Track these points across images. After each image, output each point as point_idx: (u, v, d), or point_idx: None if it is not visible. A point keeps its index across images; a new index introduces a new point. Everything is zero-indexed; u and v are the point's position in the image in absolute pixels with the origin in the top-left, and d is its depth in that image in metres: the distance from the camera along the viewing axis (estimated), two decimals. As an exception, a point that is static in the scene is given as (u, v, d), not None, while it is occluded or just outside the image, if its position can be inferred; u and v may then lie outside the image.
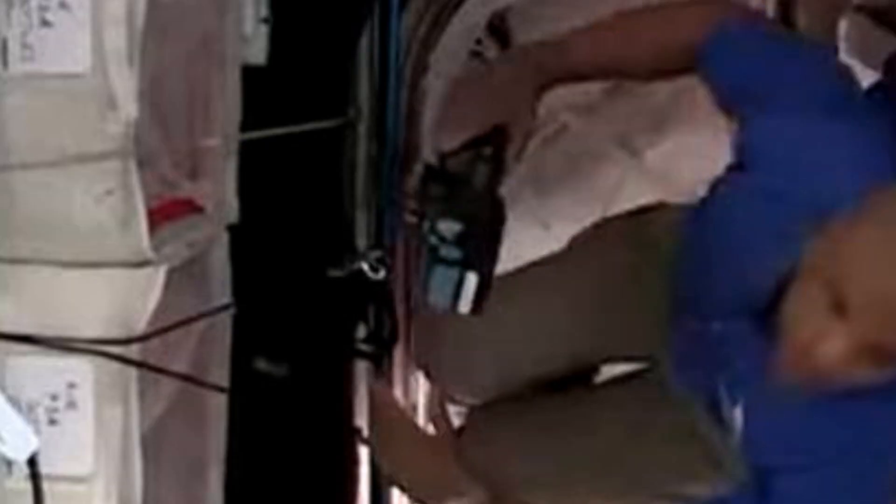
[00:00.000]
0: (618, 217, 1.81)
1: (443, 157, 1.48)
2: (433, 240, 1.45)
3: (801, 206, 1.24)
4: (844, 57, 2.04)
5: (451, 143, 1.46)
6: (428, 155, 1.64)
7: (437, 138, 1.53)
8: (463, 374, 1.88)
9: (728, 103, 1.38)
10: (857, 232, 1.18)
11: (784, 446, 1.36)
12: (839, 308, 1.18)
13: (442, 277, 1.47)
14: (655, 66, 1.47)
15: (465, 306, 1.48)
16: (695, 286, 1.47)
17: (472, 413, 1.95)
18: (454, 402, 2.00)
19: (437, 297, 1.47)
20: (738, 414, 1.41)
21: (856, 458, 1.31)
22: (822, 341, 1.20)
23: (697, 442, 1.53)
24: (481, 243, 1.48)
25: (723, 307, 1.39)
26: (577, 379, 1.85)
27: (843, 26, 2.15)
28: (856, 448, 1.31)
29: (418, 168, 1.60)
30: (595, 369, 1.88)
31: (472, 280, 1.47)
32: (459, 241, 1.46)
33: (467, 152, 1.47)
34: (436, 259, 1.46)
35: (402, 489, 1.85)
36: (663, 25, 1.45)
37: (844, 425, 1.30)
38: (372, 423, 1.66)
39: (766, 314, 1.28)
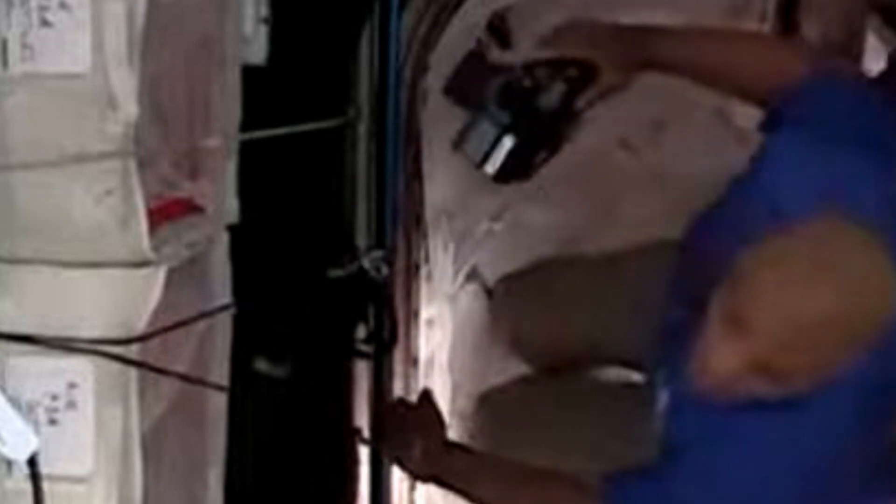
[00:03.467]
0: (667, 242, 1.84)
1: (532, 64, 1.51)
2: (488, 105, 1.48)
3: (783, 215, 1.25)
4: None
5: (546, 52, 1.52)
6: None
7: (535, 45, 1.60)
8: (516, 341, 2.07)
9: (772, 123, 1.43)
10: (770, 255, 1.20)
11: (693, 437, 1.40)
12: (740, 325, 1.20)
13: (482, 131, 1.52)
14: (739, 88, 1.54)
15: (491, 167, 1.53)
16: (679, 277, 1.50)
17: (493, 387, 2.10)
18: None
19: (470, 148, 1.52)
20: (664, 396, 1.45)
21: (761, 464, 1.34)
22: (720, 354, 1.24)
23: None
24: (529, 129, 1.50)
25: (689, 299, 1.42)
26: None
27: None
28: (761, 455, 1.33)
29: (503, 77, 1.61)
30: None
31: (507, 144, 1.51)
32: (512, 119, 1.49)
33: (553, 69, 1.50)
34: (483, 113, 1.49)
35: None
36: (768, 56, 1.53)
37: (749, 430, 1.33)
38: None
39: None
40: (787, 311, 1.18)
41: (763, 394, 1.25)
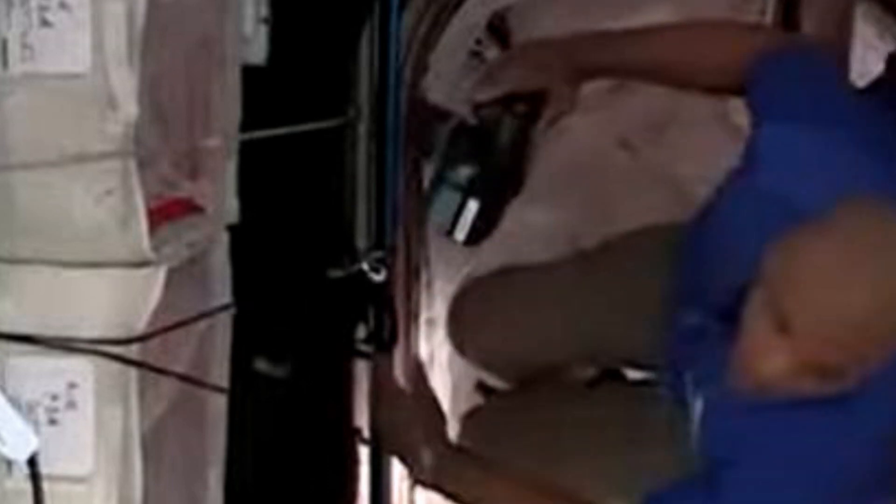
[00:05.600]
0: (648, 230, 1.82)
1: (477, 106, 1.51)
2: (445, 167, 1.48)
3: (796, 211, 1.24)
4: (861, 48, 2.06)
5: (488, 93, 1.51)
6: (456, 103, 1.65)
7: (476, 88, 1.56)
8: (482, 356, 1.97)
9: (754, 116, 1.41)
10: (808, 250, 1.19)
11: (737, 443, 1.37)
12: (783, 325, 1.19)
13: (445, 199, 1.50)
14: (698, 81, 1.52)
15: (461, 233, 1.52)
16: (690, 281, 1.49)
17: (481, 404, 2.03)
18: (484, 389, 2.07)
19: (438, 217, 1.51)
20: (698, 406, 1.43)
21: (810, 465, 1.32)
22: (766, 355, 1.22)
23: (677, 443, 1.54)
24: (490, 183, 1.50)
25: (704, 302, 1.41)
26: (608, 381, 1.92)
27: (859, 15, 2.15)
28: (807, 453, 1.32)
29: (453, 121, 1.61)
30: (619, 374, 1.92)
31: (472, 208, 1.50)
32: (470, 177, 1.48)
33: (500, 107, 1.49)
34: (443, 180, 1.49)
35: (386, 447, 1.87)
36: (718, 44, 1.50)
37: (797, 430, 1.31)
38: (371, 388, 1.70)
39: (733, 315, 1.29)
40: (830, 307, 1.16)
41: (814, 392, 1.23)
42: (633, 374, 1.91)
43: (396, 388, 1.69)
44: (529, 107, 1.52)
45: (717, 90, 1.52)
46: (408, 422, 1.63)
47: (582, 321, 1.79)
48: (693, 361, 1.46)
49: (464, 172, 1.53)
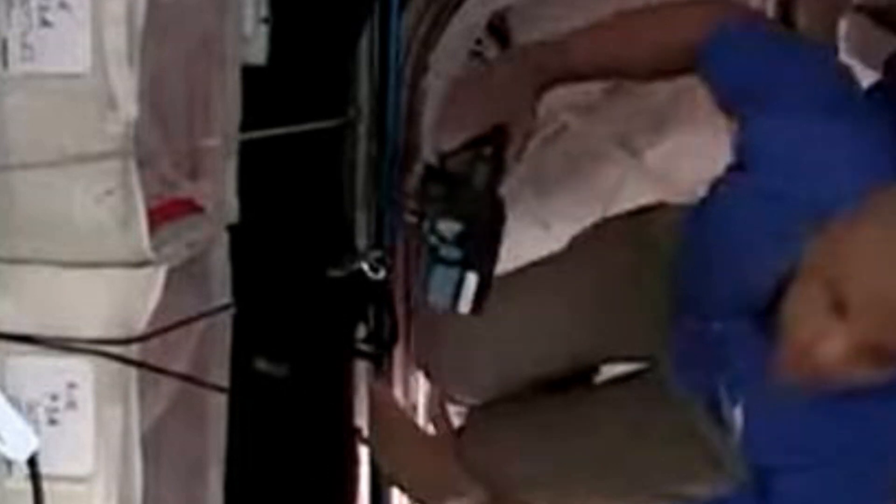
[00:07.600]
0: (618, 217, 1.81)
1: (443, 156, 1.49)
2: (433, 240, 1.46)
3: (801, 207, 1.24)
4: (845, 57, 2.05)
5: (450, 143, 1.47)
6: (428, 155, 1.65)
7: (436, 138, 1.54)
8: (462, 374, 1.88)
9: (728, 103, 1.38)
10: (857, 232, 1.18)
11: (783, 446, 1.36)
12: (839, 308, 1.18)
13: (442, 277, 1.47)
14: (655, 67, 1.47)
15: (465, 306, 1.48)
16: (695, 286, 1.47)
17: (472, 413, 1.95)
18: (454, 401, 2.00)
19: (438, 296, 1.48)
20: (737, 414, 1.42)
21: (856, 458, 1.31)
22: (822, 341, 1.20)
23: (697, 442, 1.53)
24: (481, 243, 1.48)
25: (723, 307, 1.39)
26: (577, 379, 1.85)
27: (843, 26, 2.16)
28: (855, 448, 1.31)
29: (418, 168, 1.60)
30: (595, 369, 1.88)
31: (472, 280, 1.47)
32: (459, 240, 1.46)
33: (467, 152, 1.47)
34: (436, 259, 1.47)
35: (402, 489, 1.85)
36: (664, 25, 1.45)
37: (844, 425, 1.30)
38: (371, 423, 1.63)
39: (765, 314, 1.28)
40: (887, 284, 1.15)
41: (868, 377, 1.22)
42: (607, 371, 1.88)
43: (401, 420, 1.60)
44: (495, 145, 1.51)
45: (683, 72, 1.47)
46: (435, 471, 1.54)
47: (574, 325, 1.74)
48: (720, 365, 1.44)
49: (450, 232, 1.49)
